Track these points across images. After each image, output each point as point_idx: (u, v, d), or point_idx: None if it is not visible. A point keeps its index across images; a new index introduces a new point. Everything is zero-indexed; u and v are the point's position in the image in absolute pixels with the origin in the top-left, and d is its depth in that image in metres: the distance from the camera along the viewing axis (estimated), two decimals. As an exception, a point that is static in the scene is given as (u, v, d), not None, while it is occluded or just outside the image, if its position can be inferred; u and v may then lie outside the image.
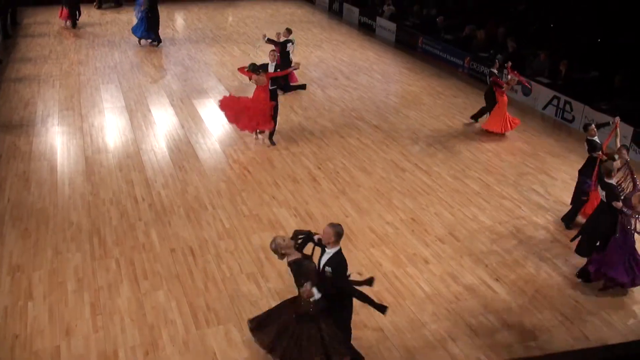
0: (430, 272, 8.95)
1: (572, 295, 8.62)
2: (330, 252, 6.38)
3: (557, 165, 12.80)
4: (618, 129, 10.18)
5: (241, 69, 12.63)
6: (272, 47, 14.46)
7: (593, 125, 10.31)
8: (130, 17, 24.83)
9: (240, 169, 11.96)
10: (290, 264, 6.37)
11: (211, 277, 8.59)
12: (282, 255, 6.37)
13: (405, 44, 22.00)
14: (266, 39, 15.41)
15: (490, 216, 10.64)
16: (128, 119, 14.21)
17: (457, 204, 11.03)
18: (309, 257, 6.55)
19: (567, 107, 15.21)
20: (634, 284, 8.65)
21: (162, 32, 21.00)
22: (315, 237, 6.66)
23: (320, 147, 12.73)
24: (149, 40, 20.52)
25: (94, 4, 25.76)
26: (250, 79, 12.78)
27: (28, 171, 11.45)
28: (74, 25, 22.36)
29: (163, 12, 26.32)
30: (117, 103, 15.16)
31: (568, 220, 10.39)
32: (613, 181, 8.85)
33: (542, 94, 16.03)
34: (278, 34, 16.20)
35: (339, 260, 6.37)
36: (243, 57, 19.72)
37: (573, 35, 18.82)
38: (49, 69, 17.45)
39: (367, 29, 24.76)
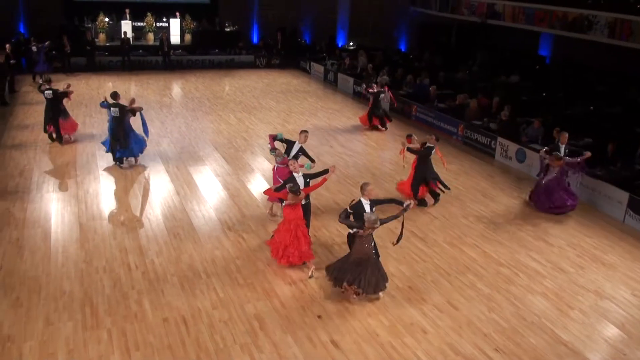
0: (428, 342, 8.77)
1: (573, 366, 8.45)
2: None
3: (554, 231, 12.76)
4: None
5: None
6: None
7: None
8: (128, 86, 25.25)
9: (235, 236, 11.88)
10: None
11: (204, 348, 8.39)
12: None
13: (400, 112, 22.30)
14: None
15: (487, 284, 10.52)
16: (123, 185, 14.20)
17: (454, 271, 10.92)
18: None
19: (562, 174, 15.25)
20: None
21: (160, 100, 21.21)
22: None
23: (315, 215, 12.65)
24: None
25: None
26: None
27: (22, 238, 11.35)
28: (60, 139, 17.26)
29: (161, 81, 26.93)
30: (112, 170, 15.19)
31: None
32: None
33: (537, 160, 16.09)
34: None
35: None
36: (239, 125, 19.94)
37: (565, 104, 19.17)
38: (45, 136, 17.53)
39: (361, 98, 25.16)
